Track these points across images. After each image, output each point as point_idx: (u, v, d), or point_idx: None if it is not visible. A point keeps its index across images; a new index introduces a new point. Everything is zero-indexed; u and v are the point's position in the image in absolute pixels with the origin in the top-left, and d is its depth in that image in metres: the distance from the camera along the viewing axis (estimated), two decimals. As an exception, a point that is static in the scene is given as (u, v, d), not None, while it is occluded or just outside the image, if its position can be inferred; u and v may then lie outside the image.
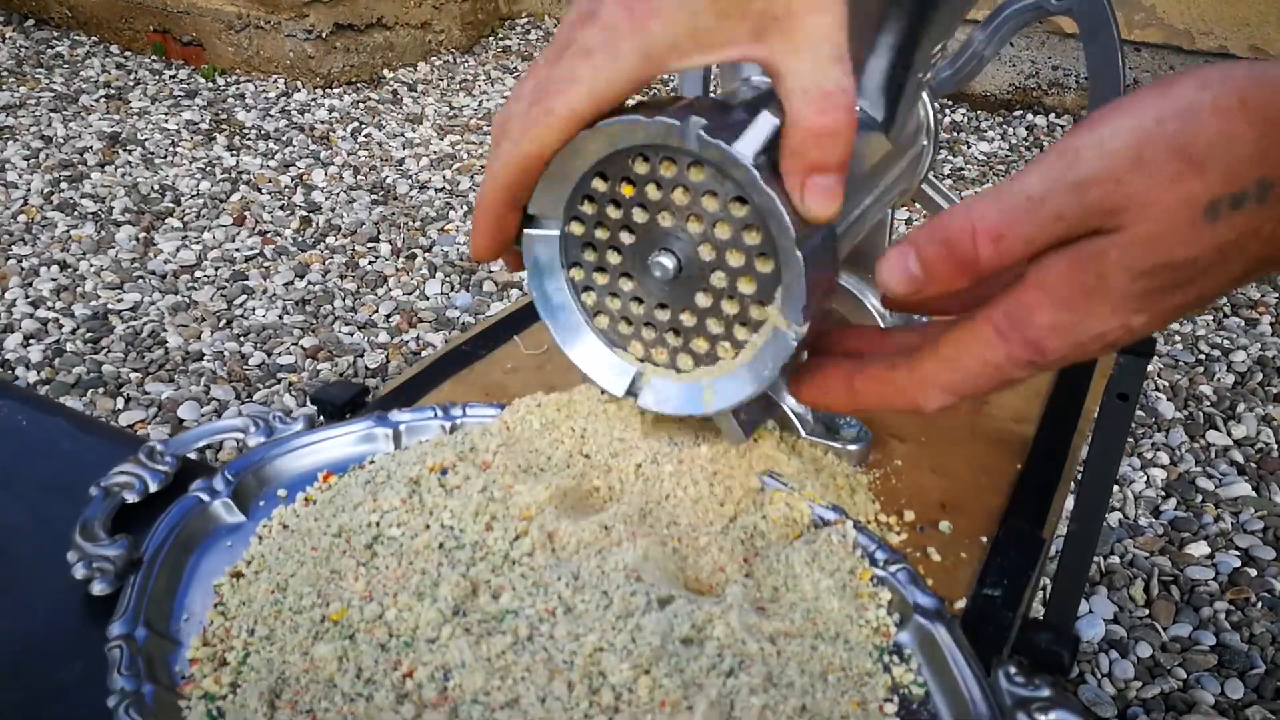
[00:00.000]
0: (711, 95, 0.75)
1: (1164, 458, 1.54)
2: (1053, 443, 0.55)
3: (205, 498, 0.45)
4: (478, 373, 0.59)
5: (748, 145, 0.40)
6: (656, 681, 0.35)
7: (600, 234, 0.46)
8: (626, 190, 0.44)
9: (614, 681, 0.35)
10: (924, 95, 0.59)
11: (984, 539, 0.48)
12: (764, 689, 0.36)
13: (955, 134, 2.56)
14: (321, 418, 0.53)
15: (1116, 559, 1.37)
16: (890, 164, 0.54)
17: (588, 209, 0.45)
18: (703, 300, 0.45)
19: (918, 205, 0.68)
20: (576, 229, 0.46)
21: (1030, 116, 2.63)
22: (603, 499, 0.46)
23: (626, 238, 0.45)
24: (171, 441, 0.48)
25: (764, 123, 0.41)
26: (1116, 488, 1.48)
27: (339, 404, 0.54)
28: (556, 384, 0.52)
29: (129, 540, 0.43)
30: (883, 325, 0.63)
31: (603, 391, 0.47)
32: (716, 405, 0.45)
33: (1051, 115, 2.63)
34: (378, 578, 0.40)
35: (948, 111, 2.66)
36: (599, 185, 0.44)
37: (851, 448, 0.51)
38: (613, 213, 0.45)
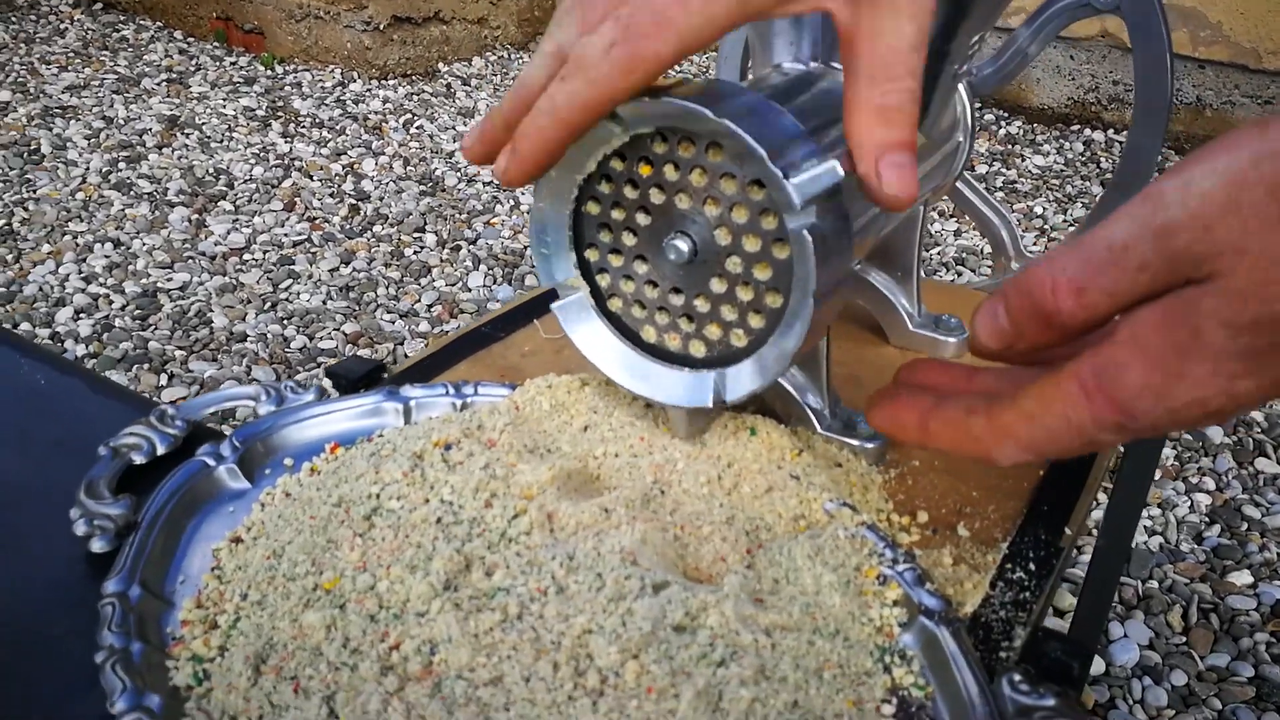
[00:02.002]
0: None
1: (1210, 483, 1.50)
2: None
3: (211, 462, 0.45)
4: (495, 354, 0.58)
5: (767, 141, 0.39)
6: (644, 667, 0.35)
7: (616, 215, 0.45)
8: (644, 170, 0.43)
9: (601, 664, 0.35)
10: (961, 91, 0.57)
11: (1000, 544, 0.46)
12: (755, 681, 0.35)
13: (1010, 146, 2.52)
14: (336, 391, 0.53)
15: (1155, 584, 1.33)
16: (921, 158, 0.53)
17: (604, 188, 0.45)
18: (717, 286, 0.44)
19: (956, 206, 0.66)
20: (593, 209, 0.45)
21: (1088, 131, 2.59)
22: (608, 483, 0.45)
23: (643, 219, 0.44)
24: (183, 406, 0.48)
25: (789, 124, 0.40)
26: (1159, 511, 1.45)
27: (354, 378, 0.54)
28: (573, 368, 0.51)
29: (132, 500, 0.43)
30: (910, 326, 0.62)
31: (606, 379, 0.47)
32: (718, 399, 0.44)
33: (1110, 131, 2.59)
34: (373, 549, 0.40)
35: (1003, 123, 2.62)
36: (616, 165, 0.44)
37: (868, 445, 0.50)
38: (629, 193, 0.44)
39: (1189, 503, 1.46)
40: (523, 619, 0.36)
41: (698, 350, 0.45)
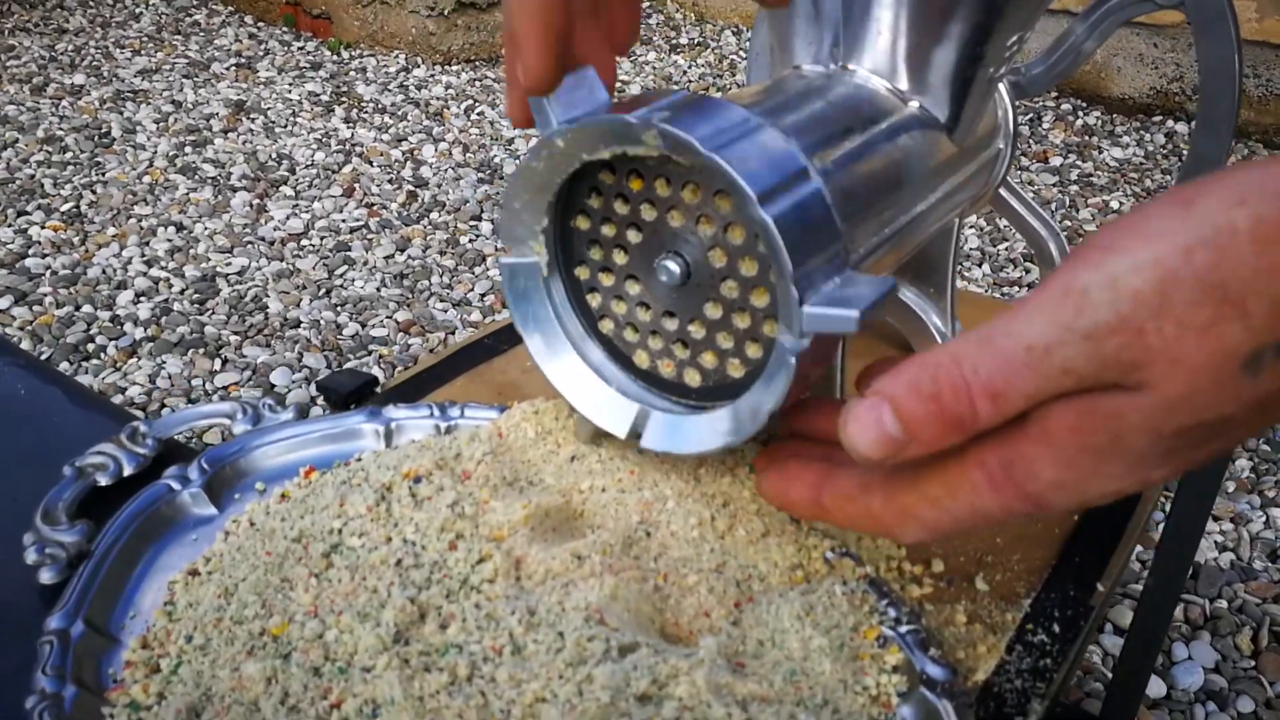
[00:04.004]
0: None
1: (1289, 499, 1.42)
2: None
3: (176, 486, 0.43)
4: (495, 369, 0.55)
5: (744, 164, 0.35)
6: (599, 742, 0.31)
7: (606, 230, 0.41)
8: (634, 184, 0.40)
9: (551, 738, 0.31)
10: (1002, 93, 0.53)
11: (1022, 601, 0.42)
12: (723, 762, 0.31)
13: (1087, 138, 2.42)
14: (325, 407, 0.50)
15: (1224, 603, 1.26)
16: (954, 168, 0.49)
17: (594, 202, 0.41)
18: (712, 311, 0.40)
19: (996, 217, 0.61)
20: (582, 224, 0.42)
21: (1171, 123, 2.47)
22: (590, 521, 0.42)
23: (634, 236, 0.41)
24: (155, 423, 0.46)
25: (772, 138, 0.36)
26: (1231, 526, 1.37)
27: (344, 393, 0.51)
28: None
29: (89, 526, 0.41)
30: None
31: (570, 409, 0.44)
32: (688, 448, 0.40)
33: (1194, 123, 2.46)
34: (327, 591, 0.37)
35: (1080, 114, 2.52)
36: (606, 178, 0.40)
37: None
38: (620, 208, 0.40)
39: (1265, 518, 1.39)
40: (473, 681, 0.33)
41: (692, 379, 0.42)
